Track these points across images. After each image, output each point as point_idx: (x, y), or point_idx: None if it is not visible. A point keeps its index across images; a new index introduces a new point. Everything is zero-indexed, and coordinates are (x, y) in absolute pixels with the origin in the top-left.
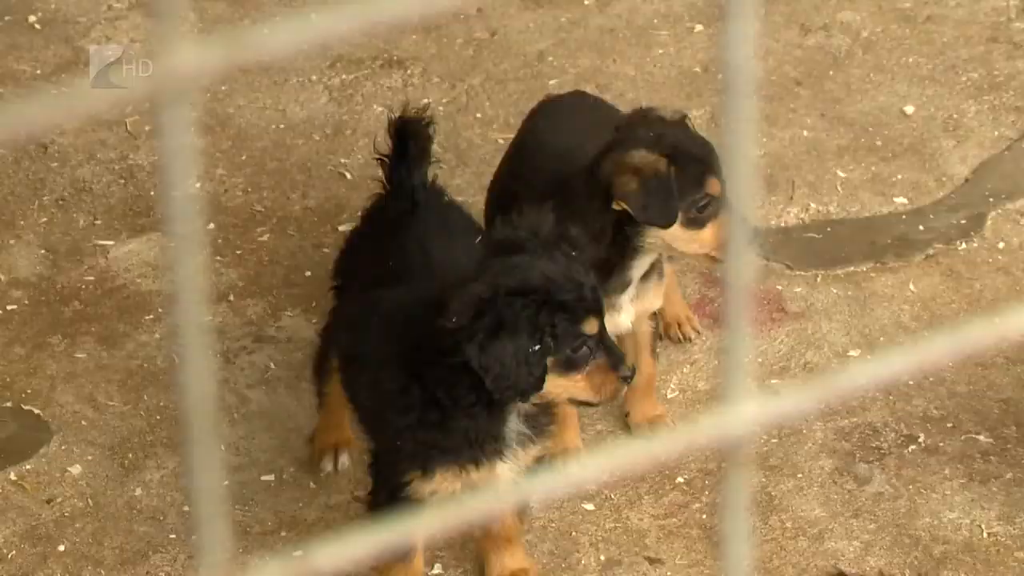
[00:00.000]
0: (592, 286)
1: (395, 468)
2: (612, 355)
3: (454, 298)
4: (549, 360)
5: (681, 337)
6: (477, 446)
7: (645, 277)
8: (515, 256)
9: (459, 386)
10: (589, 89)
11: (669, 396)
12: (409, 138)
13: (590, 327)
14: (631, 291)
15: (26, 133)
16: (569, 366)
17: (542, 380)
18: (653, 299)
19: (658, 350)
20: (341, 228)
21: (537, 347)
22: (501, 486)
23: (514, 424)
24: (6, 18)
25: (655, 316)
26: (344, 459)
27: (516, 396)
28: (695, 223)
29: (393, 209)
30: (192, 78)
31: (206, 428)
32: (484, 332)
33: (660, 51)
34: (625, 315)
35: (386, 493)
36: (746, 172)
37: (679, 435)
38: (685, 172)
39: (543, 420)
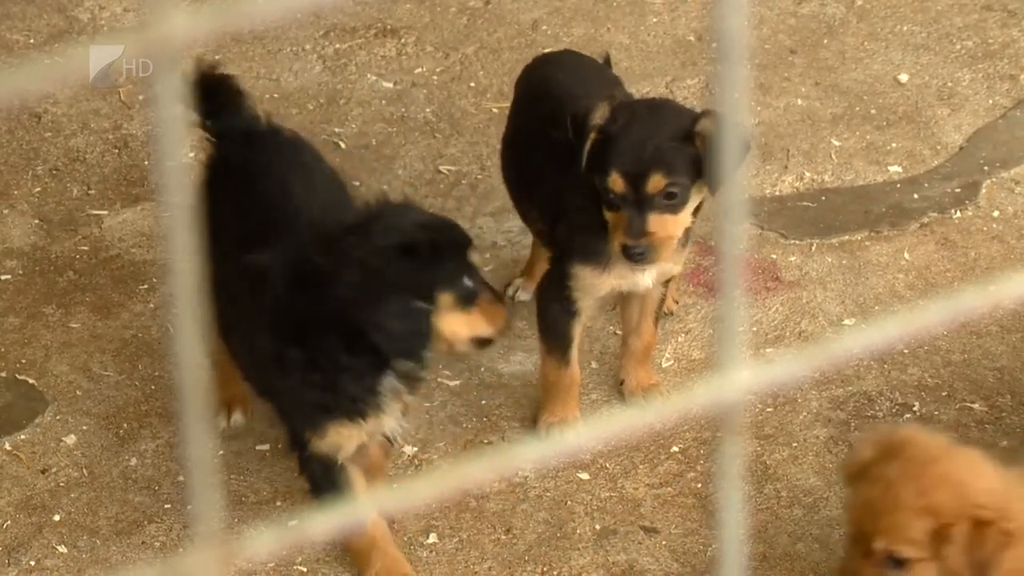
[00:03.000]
0: (457, 225)
1: (293, 427)
2: (491, 288)
3: (335, 261)
4: (447, 299)
5: (665, 311)
6: (360, 402)
7: None
8: (382, 210)
9: (341, 349)
10: None
11: (664, 365)
12: (215, 90)
13: (471, 258)
14: None
15: (19, 102)
16: (465, 301)
17: (429, 336)
18: (673, 263)
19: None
20: None
21: (421, 304)
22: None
23: (388, 381)
24: None
25: (666, 284)
26: (237, 416)
27: (410, 355)
28: None
29: (234, 158)
30: (184, 46)
31: (200, 398)
32: (373, 295)
33: (654, 19)
34: (647, 274)
35: (297, 449)
36: (738, 140)
37: (674, 404)
38: None
39: (415, 374)
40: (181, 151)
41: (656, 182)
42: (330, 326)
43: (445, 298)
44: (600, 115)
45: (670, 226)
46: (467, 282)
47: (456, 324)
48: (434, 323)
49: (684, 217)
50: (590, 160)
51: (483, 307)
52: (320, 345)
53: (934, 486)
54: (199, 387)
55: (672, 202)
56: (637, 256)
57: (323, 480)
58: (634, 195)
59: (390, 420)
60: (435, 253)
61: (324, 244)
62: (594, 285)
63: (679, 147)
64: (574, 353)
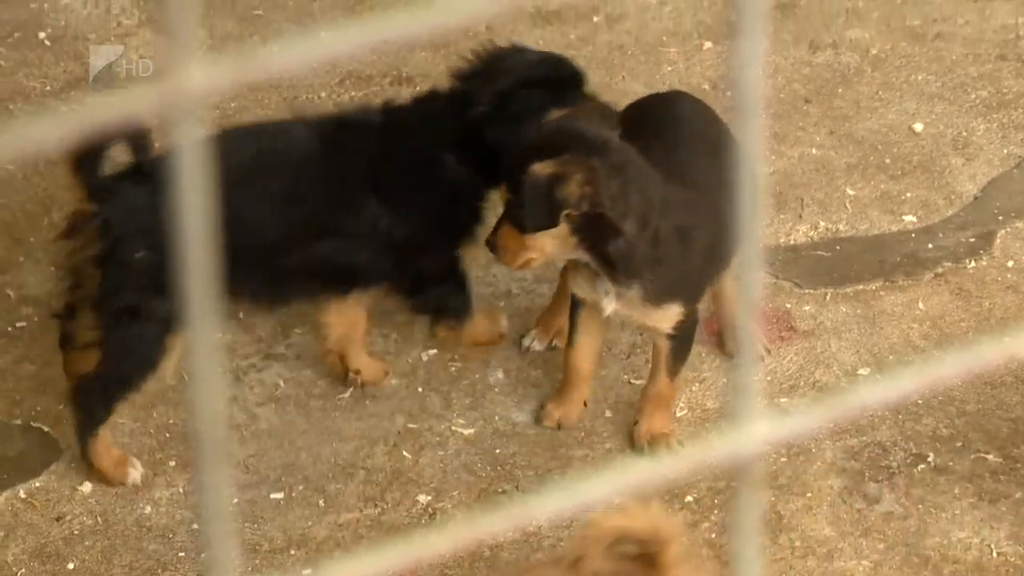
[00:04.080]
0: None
1: None
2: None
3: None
4: None
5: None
6: None
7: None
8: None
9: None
10: None
11: (678, 414)
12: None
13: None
14: (606, 284)
15: (37, 149)
16: None
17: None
18: (642, 312)
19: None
20: None
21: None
22: None
23: None
24: (16, 35)
25: (673, 338)
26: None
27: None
28: None
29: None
30: (202, 96)
31: (216, 446)
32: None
33: (669, 68)
34: (607, 303)
35: None
36: (755, 190)
37: (689, 454)
38: None
39: None
40: (200, 199)
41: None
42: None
43: None
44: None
45: (509, 239)
46: None
47: None
48: None
49: (532, 239)
50: None
51: None
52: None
53: None
54: (215, 434)
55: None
56: (489, 246)
57: None
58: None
59: None
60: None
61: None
62: (573, 284)
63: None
64: (579, 338)
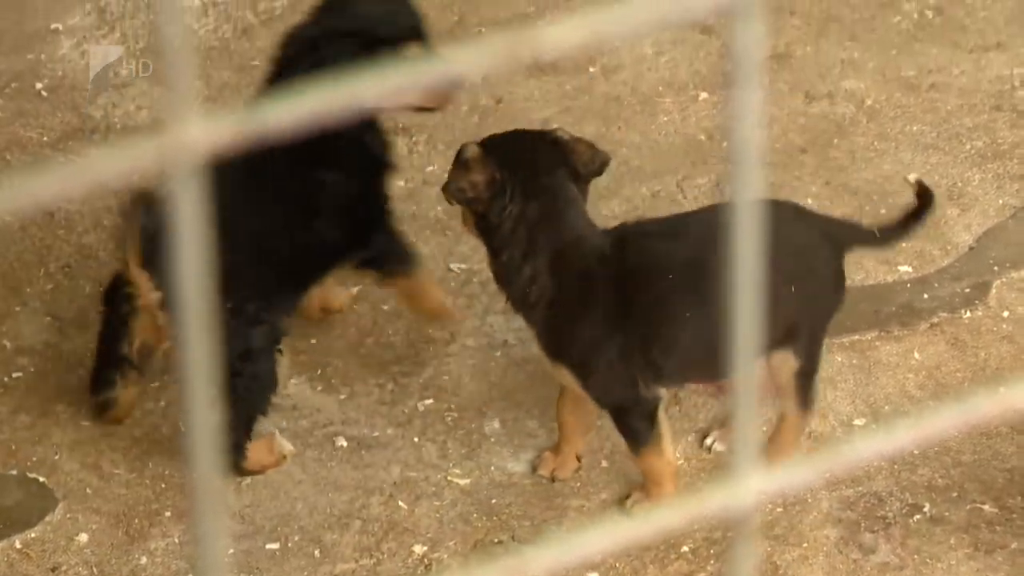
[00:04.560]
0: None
1: None
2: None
3: None
4: None
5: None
6: None
7: None
8: None
9: None
10: None
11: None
12: None
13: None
14: None
15: (35, 203)
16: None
17: None
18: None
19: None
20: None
21: None
22: None
23: None
24: (12, 85)
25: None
26: None
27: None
28: None
29: None
30: (201, 149)
31: (212, 496)
32: None
33: (665, 118)
34: (555, 369)
35: None
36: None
37: (685, 505)
38: None
39: None
40: (197, 253)
41: None
42: None
43: None
44: None
45: None
46: None
47: None
48: None
49: None
50: None
51: None
52: None
53: None
54: (211, 485)
55: None
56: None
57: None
58: None
59: None
60: None
61: None
62: None
63: None
64: (565, 391)
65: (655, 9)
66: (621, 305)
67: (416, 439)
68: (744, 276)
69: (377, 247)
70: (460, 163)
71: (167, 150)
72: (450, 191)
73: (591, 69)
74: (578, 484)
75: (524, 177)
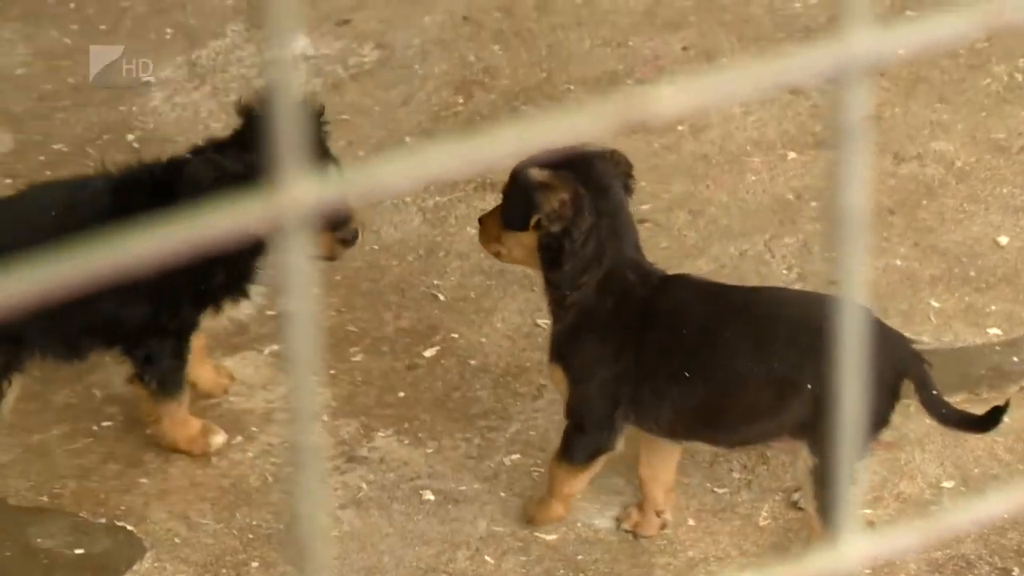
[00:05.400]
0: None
1: None
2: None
3: None
4: None
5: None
6: None
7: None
8: None
9: None
10: (682, 215)
11: (761, 523)
12: None
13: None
14: None
15: (148, 258)
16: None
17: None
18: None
19: (746, 477)
20: (428, 353)
21: None
22: None
23: None
24: (105, 136)
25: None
26: None
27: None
28: None
29: None
30: (311, 208)
31: (314, 550)
32: None
33: (753, 177)
34: None
35: None
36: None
37: (788, 570)
38: None
39: None
40: (308, 304)
41: None
42: None
43: None
44: None
45: (491, 224)
46: None
47: None
48: None
49: (506, 235)
50: None
51: None
52: None
53: None
54: (313, 538)
55: None
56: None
57: None
58: None
59: None
60: None
61: None
62: None
63: None
64: (642, 451)
65: (763, 74)
66: (635, 336)
67: (503, 493)
68: (850, 356)
69: (149, 347)
70: (537, 187)
71: (278, 207)
72: (544, 215)
73: (679, 128)
74: (664, 542)
75: (597, 192)
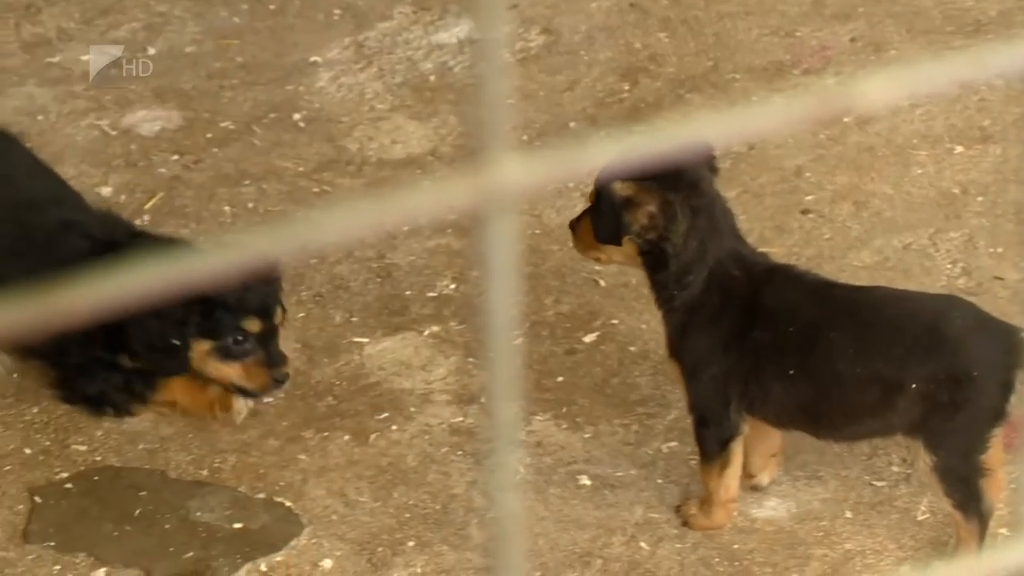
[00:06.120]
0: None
1: None
2: (271, 355)
3: None
4: (207, 347)
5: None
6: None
7: None
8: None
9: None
10: (845, 207)
11: (919, 518)
12: None
13: (250, 326)
14: None
15: (350, 235)
16: (226, 355)
17: (182, 365)
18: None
19: (905, 471)
20: (588, 338)
21: (176, 341)
22: None
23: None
24: (271, 115)
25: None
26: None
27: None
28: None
29: None
30: (516, 191)
31: (515, 540)
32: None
33: (919, 170)
34: None
35: None
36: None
37: (975, 564)
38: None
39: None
40: (507, 296)
41: None
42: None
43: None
44: None
45: (586, 232)
46: (238, 341)
47: (216, 369)
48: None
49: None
50: None
51: (249, 365)
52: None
53: None
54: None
55: None
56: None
57: None
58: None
59: None
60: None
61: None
62: None
63: None
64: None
65: (967, 66)
66: (741, 332)
67: (659, 480)
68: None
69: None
70: (623, 203)
71: (483, 188)
72: (634, 235)
73: (845, 118)
74: (821, 534)
75: (688, 191)
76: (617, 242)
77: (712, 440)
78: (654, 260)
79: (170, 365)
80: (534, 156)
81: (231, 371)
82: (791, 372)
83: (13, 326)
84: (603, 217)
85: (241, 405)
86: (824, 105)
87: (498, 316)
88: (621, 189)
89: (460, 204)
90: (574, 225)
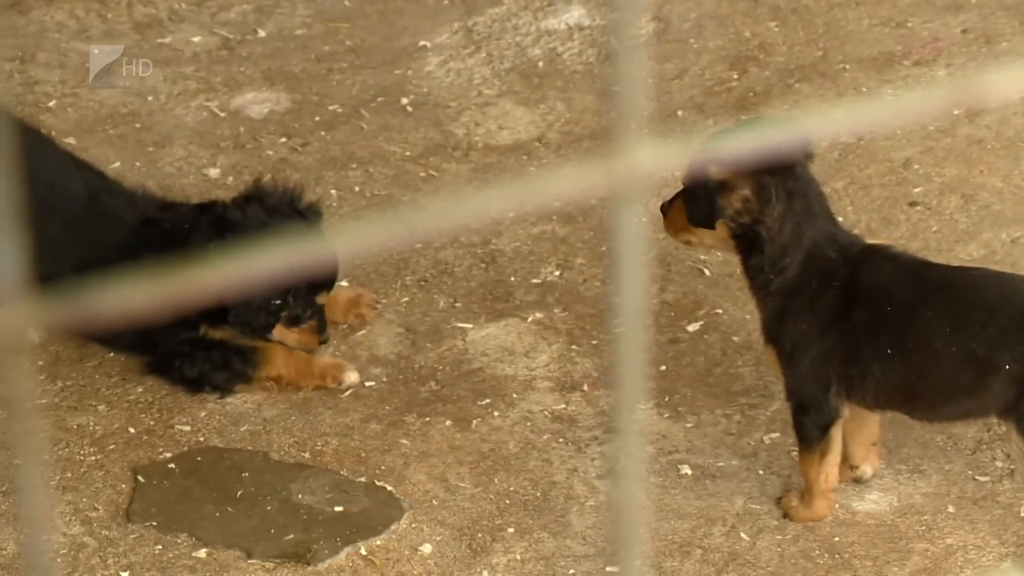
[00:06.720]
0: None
1: None
2: (323, 322)
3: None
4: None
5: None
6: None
7: None
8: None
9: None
10: (954, 199)
11: (1023, 514)
12: None
13: (321, 300)
14: None
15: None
16: (294, 323)
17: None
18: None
19: (1009, 466)
20: (692, 327)
21: (279, 302)
22: None
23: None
24: (379, 99)
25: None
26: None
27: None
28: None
29: None
30: (649, 176)
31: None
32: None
33: None
34: None
35: None
36: None
37: None
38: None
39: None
40: (638, 284)
41: None
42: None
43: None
44: None
45: (678, 215)
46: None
47: (279, 333)
48: None
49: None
50: None
51: (304, 330)
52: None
53: None
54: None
55: None
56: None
57: None
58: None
59: None
60: None
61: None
62: None
63: None
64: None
65: None
66: (839, 314)
67: (761, 471)
68: None
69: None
70: (716, 187)
71: (618, 173)
72: (727, 218)
73: (955, 111)
74: (923, 528)
75: (782, 174)
76: (711, 225)
77: (812, 426)
78: (748, 244)
79: (260, 334)
80: (666, 143)
81: (291, 335)
82: (889, 352)
83: (142, 307)
84: (697, 200)
85: (354, 376)
86: (955, 97)
87: (628, 304)
88: (716, 172)
89: (594, 190)
90: (665, 208)
